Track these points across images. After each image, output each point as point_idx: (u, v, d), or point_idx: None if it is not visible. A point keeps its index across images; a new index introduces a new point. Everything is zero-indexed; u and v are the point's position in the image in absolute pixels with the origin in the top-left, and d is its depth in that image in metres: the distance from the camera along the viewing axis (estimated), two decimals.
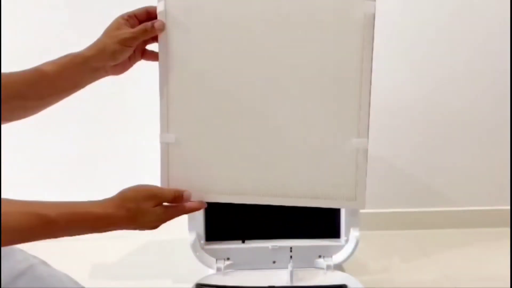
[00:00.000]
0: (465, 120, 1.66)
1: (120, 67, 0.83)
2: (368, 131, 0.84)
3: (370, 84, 0.82)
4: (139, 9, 0.82)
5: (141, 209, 0.77)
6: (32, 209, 0.69)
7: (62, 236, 0.72)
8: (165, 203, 0.80)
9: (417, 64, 1.61)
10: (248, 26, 0.82)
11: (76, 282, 0.86)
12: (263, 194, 0.85)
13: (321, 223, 1.31)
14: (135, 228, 0.78)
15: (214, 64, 0.83)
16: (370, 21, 0.81)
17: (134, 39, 0.80)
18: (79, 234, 0.74)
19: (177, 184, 0.84)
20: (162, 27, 0.81)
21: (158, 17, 0.82)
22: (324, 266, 1.28)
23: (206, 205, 0.84)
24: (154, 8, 0.82)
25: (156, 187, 0.81)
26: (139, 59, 0.85)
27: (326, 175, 0.85)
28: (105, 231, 0.76)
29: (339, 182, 0.85)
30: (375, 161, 1.55)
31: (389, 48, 1.57)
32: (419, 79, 1.62)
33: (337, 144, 0.84)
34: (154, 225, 0.80)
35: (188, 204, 0.82)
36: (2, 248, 0.73)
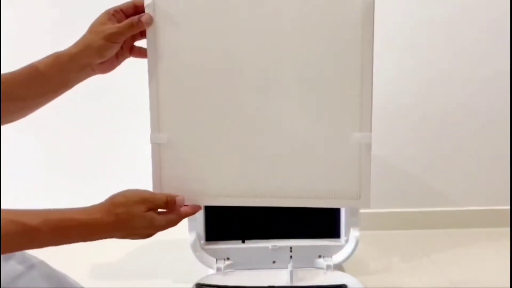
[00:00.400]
0: (465, 120, 1.66)
1: (108, 65, 0.79)
2: (371, 125, 0.79)
3: (372, 75, 0.78)
4: (125, 3, 0.79)
5: (132, 214, 0.73)
6: (13, 217, 0.66)
7: (49, 245, 0.69)
8: (159, 210, 0.77)
9: (417, 64, 1.61)
10: (241, 20, 0.78)
11: (76, 282, 0.86)
12: (262, 195, 0.81)
13: (321, 223, 1.31)
14: (126, 236, 0.74)
15: (206, 60, 0.79)
16: (369, 8, 0.77)
17: (120, 35, 0.76)
18: (66, 243, 0.71)
19: (170, 187, 0.81)
20: (150, 21, 0.77)
21: (146, 11, 0.78)
22: (324, 266, 1.28)
23: (201, 209, 0.81)
24: (142, 2, 0.78)
25: (147, 191, 0.77)
26: (128, 56, 0.82)
27: (328, 173, 0.80)
28: (94, 239, 0.72)
29: (342, 180, 0.80)
30: (375, 161, 1.55)
31: (389, 47, 1.56)
32: (420, 79, 1.62)
33: (338, 139, 0.79)
34: (147, 233, 0.76)
35: (182, 209, 0.78)
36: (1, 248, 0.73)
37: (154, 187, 0.82)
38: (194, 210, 0.80)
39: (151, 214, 0.74)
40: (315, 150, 0.80)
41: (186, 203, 0.79)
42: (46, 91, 0.78)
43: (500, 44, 1.59)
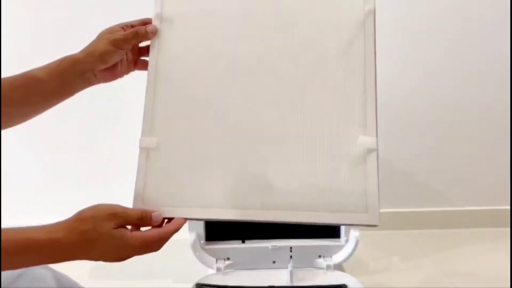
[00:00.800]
0: (465, 120, 1.66)
1: (110, 73, 0.80)
2: (376, 129, 0.73)
3: (375, 79, 0.75)
4: (136, 20, 0.81)
5: (98, 232, 0.63)
6: None
7: (7, 268, 0.62)
8: (141, 229, 0.68)
9: (417, 64, 1.61)
10: (243, 35, 0.79)
11: (75, 282, 0.86)
12: (256, 207, 0.72)
13: None
14: (97, 258, 0.65)
15: (207, 70, 0.79)
16: (370, 17, 0.77)
17: (125, 41, 0.78)
18: (25, 265, 0.65)
19: (154, 198, 0.73)
20: (155, 32, 0.80)
21: (153, 22, 0.80)
22: (324, 266, 1.28)
23: (185, 222, 0.71)
24: (150, 20, 0.81)
25: (119, 206, 0.67)
26: (132, 70, 0.83)
27: (329, 183, 0.72)
28: (58, 261, 0.63)
29: (345, 191, 0.71)
30: None
31: (389, 47, 1.56)
32: (419, 79, 1.62)
33: (341, 145, 0.73)
34: (120, 256, 0.66)
35: (163, 227, 0.69)
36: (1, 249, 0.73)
37: (135, 198, 0.74)
38: (176, 226, 0.69)
39: (122, 231, 0.65)
40: (314, 157, 0.74)
41: (171, 216, 0.71)
42: (46, 96, 0.78)
43: (502, 46, 1.59)
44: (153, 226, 0.69)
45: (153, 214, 0.69)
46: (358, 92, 0.75)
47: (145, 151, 0.76)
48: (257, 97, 0.77)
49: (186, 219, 0.71)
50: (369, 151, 0.72)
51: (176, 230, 0.69)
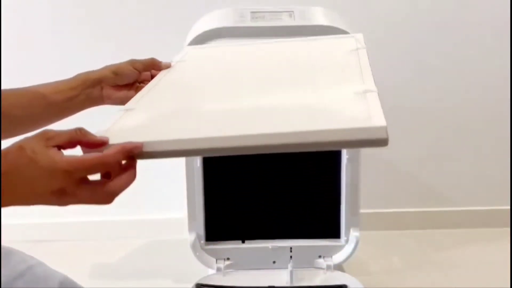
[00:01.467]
0: (465, 120, 1.66)
1: (116, 93, 0.84)
2: (373, 81, 0.71)
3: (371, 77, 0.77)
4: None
5: (26, 149, 0.53)
6: None
7: None
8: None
9: (418, 64, 1.61)
10: (249, 69, 0.89)
11: (74, 283, 0.86)
12: (245, 129, 0.60)
13: (321, 223, 1.31)
14: (26, 191, 0.53)
15: (209, 82, 0.85)
16: (362, 49, 0.87)
17: (141, 63, 0.86)
18: None
19: (122, 130, 0.64)
20: (169, 65, 0.90)
21: (173, 64, 0.91)
22: (324, 266, 1.28)
23: (140, 146, 0.57)
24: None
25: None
26: None
27: (330, 105, 0.65)
28: None
29: (347, 110, 0.63)
30: (375, 162, 1.55)
31: (391, 46, 1.57)
32: (420, 79, 1.62)
33: (340, 89, 0.71)
34: (53, 185, 0.53)
35: (106, 150, 0.55)
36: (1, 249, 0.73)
37: (98, 132, 0.61)
38: (119, 149, 0.56)
39: (53, 151, 0.53)
40: (317, 100, 0.69)
41: (123, 140, 0.57)
42: (49, 110, 0.79)
43: (502, 46, 1.58)
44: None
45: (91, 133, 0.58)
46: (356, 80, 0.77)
47: (124, 111, 0.71)
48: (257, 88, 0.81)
49: (140, 145, 0.57)
50: (370, 91, 0.67)
51: (119, 152, 0.55)
